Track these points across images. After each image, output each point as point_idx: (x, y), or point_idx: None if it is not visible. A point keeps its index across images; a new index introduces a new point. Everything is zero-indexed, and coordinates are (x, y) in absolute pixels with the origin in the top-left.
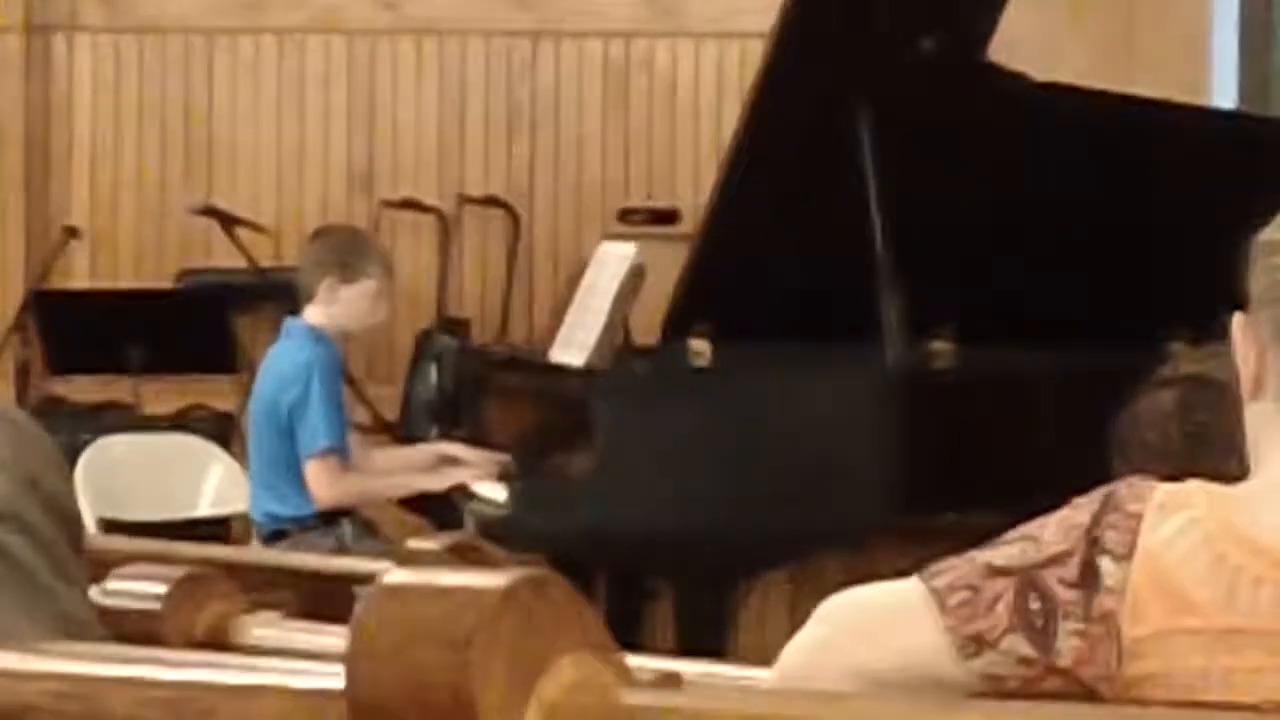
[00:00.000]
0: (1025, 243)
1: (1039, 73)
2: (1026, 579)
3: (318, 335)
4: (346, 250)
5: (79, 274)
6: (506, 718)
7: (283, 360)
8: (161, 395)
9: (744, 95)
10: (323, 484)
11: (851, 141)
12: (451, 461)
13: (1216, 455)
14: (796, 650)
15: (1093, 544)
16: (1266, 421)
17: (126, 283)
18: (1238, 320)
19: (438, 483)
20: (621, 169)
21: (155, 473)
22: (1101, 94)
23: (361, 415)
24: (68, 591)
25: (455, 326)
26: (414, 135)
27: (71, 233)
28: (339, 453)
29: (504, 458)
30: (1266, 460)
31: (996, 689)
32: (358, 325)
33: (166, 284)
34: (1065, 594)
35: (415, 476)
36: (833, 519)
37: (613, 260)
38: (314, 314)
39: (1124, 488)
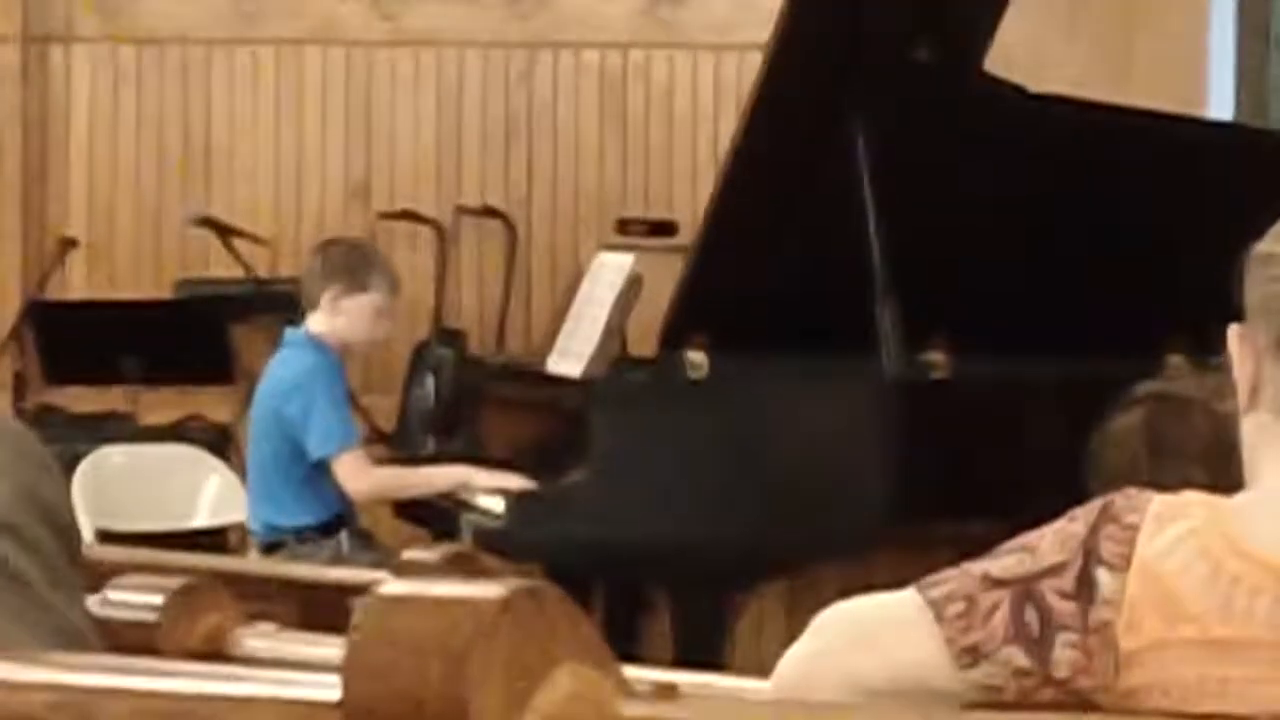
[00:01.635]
0: (1021, 253)
1: (1034, 83)
2: (1023, 590)
3: (318, 343)
4: (355, 262)
5: (76, 284)
6: None
7: (284, 369)
8: (159, 405)
9: (741, 106)
10: (354, 480)
11: (848, 152)
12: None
13: (1182, 467)
14: (793, 661)
15: (1089, 555)
16: (1263, 433)
17: (124, 293)
18: (1234, 332)
19: (475, 477)
20: (618, 180)
21: (152, 483)
22: (1097, 105)
23: (358, 426)
24: (64, 602)
25: (452, 337)
26: (411, 146)
27: (69, 243)
28: (358, 447)
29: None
30: (1263, 471)
31: (993, 700)
32: (357, 339)
33: (164, 294)
34: (1062, 605)
35: (450, 470)
36: (830, 530)
37: (610, 271)
38: (315, 323)
39: (1120, 499)
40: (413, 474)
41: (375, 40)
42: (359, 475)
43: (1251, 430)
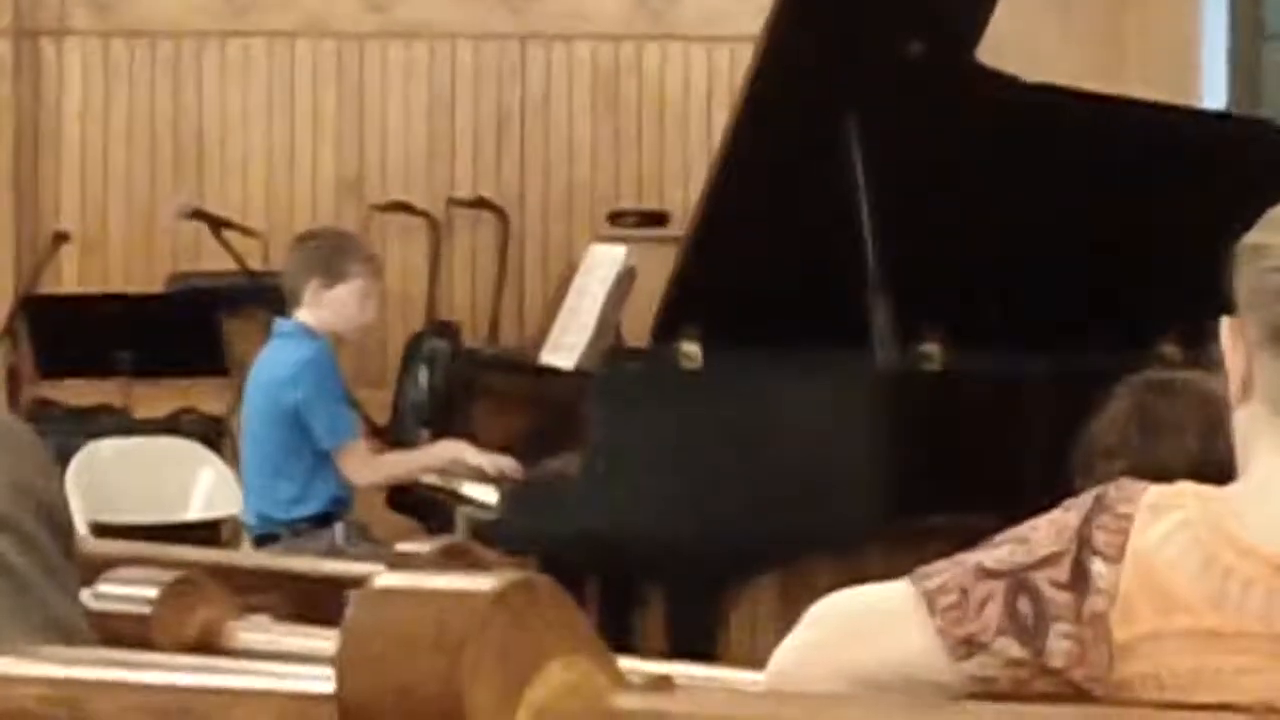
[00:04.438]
0: (1016, 245)
1: (1028, 74)
2: (1017, 581)
3: (311, 332)
4: (328, 252)
5: (69, 278)
6: None
7: (280, 359)
8: (152, 398)
9: (733, 98)
10: (359, 470)
11: (841, 144)
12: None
13: (1176, 438)
14: (788, 653)
15: (1083, 545)
16: (1255, 424)
17: (116, 286)
18: (1225, 324)
19: (467, 454)
20: (611, 172)
21: (146, 476)
22: (1091, 95)
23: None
24: (59, 597)
25: (445, 329)
26: (403, 138)
27: (61, 237)
28: (360, 437)
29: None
30: (1255, 462)
31: (987, 691)
32: (347, 327)
33: (156, 287)
34: (1056, 596)
35: (444, 448)
36: (823, 521)
37: (603, 263)
38: (303, 318)
39: (1114, 489)
40: (410, 458)
41: (366, 32)
42: (364, 466)
43: (1244, 421)
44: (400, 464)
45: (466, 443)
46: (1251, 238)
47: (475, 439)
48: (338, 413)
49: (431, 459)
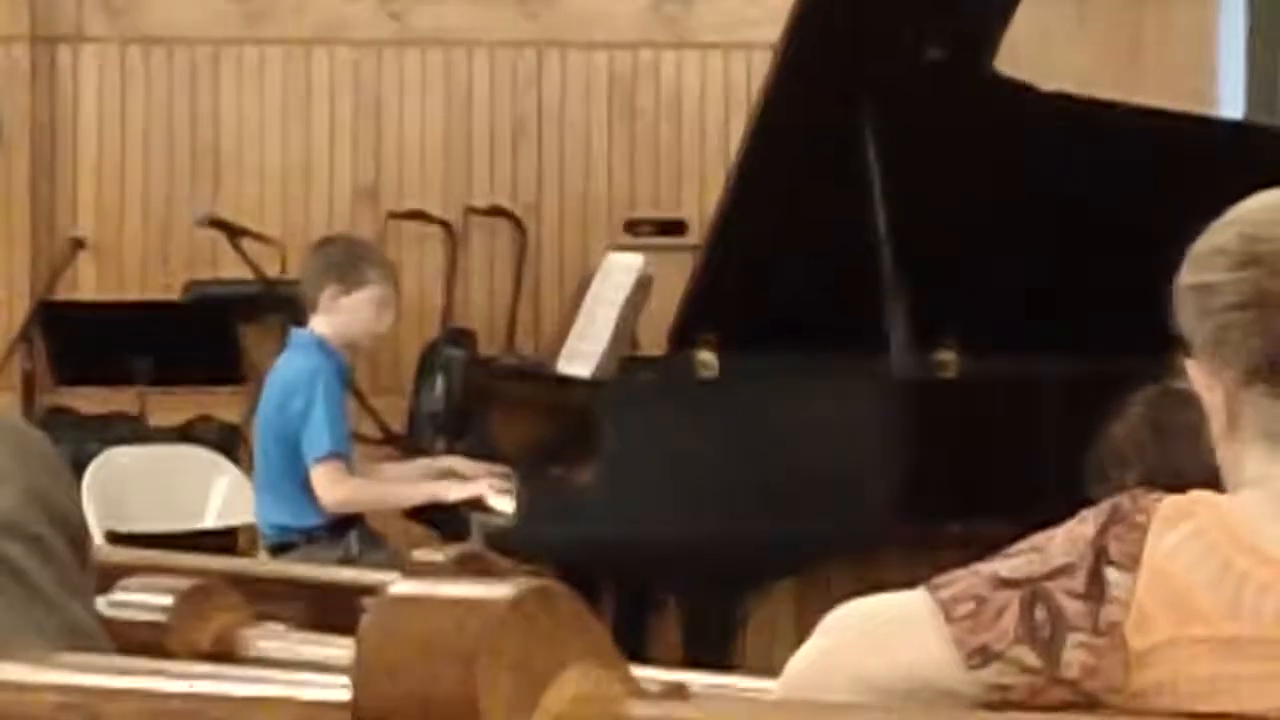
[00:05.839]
0: (1031, 252)
1: (1043, 80)
2: (1033, 590)
3: (323, 345)
4: (344, 259)
5: (85, 285)
6: None
7: (288, 369)
8: (168, 406)
9: (750, 106)
10: (328, 488)
11: (858, 152)
12: (452, 474)
13: (1193, 445)
14: (802, 661)
15: (1099, 555)
16: (1243, 458)
17: (133, 294)
18: (1193, 366)
19: (447, 493)
20: (628, 180)
21: (162, 484)
22: (1108, 103)
23: (368, 427)
24: (74, 604)
25: (462, 338)
26: (420, 146)
27: (77, 244)
28: (343, 458)
29: (505, 470)
30: (1256, 480)
31: (1003, 699)
32: (362, 334)
33: (173, 295)
34: (1072, 605)
35: (423, 486)
36: (839, 529)
37: (619, 271)
38: (318, 325)
39: (1129, 500)
40: (385, 491)
41: (383, 40)
42: (333, 485)
43: (1231, 458)
44: (372, 491)
45: (451, 478)
46: (1190, 279)
47: (491, 447)
48: (323, 428)
49: (407, 497)
